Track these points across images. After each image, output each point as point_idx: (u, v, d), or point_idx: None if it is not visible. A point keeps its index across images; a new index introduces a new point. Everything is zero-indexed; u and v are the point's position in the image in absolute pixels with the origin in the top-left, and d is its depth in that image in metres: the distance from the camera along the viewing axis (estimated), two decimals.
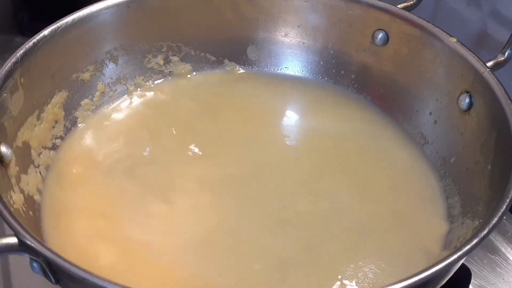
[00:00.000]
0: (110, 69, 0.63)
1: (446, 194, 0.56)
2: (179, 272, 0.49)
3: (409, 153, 0.60)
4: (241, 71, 0.68)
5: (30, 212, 0.50)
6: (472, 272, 0.56)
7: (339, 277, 0.49)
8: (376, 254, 0.51)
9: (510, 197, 0.44)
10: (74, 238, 0.51)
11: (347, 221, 0.53)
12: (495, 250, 0.58)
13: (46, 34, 0.56)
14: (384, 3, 0.62)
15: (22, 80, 0.53)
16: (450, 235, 0.52)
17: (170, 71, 0.66)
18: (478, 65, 0.55)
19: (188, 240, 0.51)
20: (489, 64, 0.55)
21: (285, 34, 0.67)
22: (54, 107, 0.58)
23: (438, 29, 0.58)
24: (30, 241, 0.40)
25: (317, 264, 0.50)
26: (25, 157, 0.53)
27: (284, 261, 0.50)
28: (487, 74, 0.54)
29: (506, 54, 0.57)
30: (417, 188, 0.56)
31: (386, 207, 0.54)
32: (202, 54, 0.67)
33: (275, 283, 0.48)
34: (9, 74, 0.51)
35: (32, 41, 0.54)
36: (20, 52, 0.53)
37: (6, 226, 0.42)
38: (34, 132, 0.55)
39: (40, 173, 0.55)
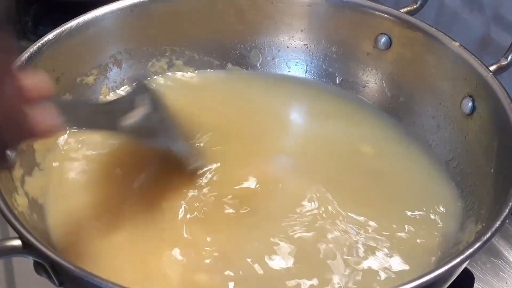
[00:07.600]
0: (114, 72, 0.63)
1: (451, 197, 0.55)
2: (183, 277, 0.49)
3: (413, 156, 0.59)
4: (245, 75, 0.68)
5: (34, 215, 0.51)
6: (475, 276, 0.56)
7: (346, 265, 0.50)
8: (387, 253, 0.51)
9: None
10: (79, 241, 0.51)
11: (354, 221, 0.53)
12: (498, 254, 0.58)
13: (50, 38, 0.56)
14: (387, 7, 0.62)
15: None
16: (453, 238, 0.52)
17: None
18: (481, 69, 0.55)
19: (193, 247, 0.51)
20: (492, 68, 0.55)
21: (288, 38, 0.67)
22: None
23: (441, 33, 0.59)
24: (33, 244, 0.41)
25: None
26: (29, 160, 0.53)
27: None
28: (490, 78, 0.54)
29: (509, 58, 0.57)
30: (423, 191, 0.56)
31: (392, 209, 0.54)
32: (206, 58, 0.67)
33: None
34: None
35: (37, 45, 0.55)
36: (24, 56, 0.53)
37: (10, 229, 0.42)
38: None
39: (45, 176, 0.55)
